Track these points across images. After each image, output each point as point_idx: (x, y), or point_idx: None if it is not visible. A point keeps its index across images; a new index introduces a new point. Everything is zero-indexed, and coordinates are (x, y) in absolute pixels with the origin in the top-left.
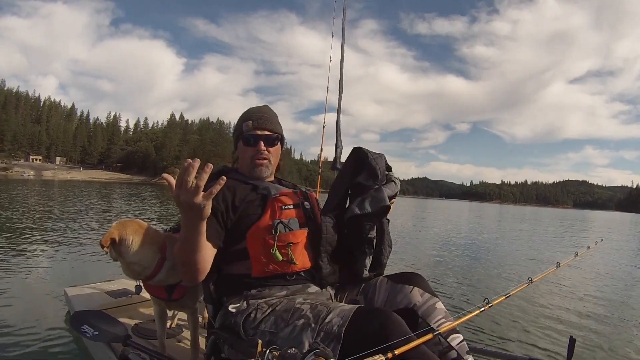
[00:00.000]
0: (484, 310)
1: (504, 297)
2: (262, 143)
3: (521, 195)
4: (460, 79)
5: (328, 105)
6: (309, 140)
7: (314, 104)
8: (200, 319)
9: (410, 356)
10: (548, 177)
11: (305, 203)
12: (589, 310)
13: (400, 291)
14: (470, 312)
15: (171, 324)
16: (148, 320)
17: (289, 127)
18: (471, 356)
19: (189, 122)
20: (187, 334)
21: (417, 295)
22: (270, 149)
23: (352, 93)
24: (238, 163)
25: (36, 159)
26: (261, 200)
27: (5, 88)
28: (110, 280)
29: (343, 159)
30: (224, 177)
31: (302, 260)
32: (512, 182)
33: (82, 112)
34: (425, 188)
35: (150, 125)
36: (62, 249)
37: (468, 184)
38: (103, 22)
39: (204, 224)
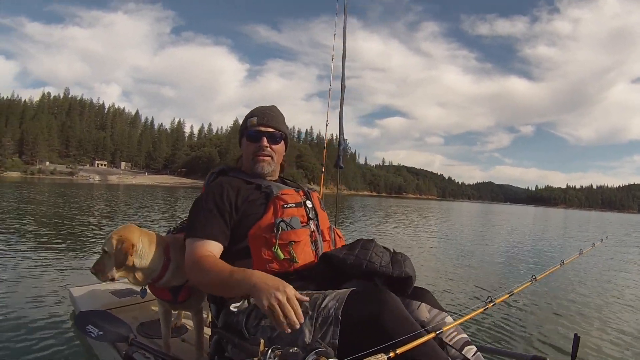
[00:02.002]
0: (488, 308)
1: (507, 295)
2: (265, 139)
3: (586, 200)
4: (523, 80)
5: (392, 109)
6: (373, 144)
7: (378, 108)
8: (205, 315)
9: (415, 354)
10: (613, 180)
11: (307, 202)
12: (593, 308)
13: (408, 306)
14: (474, 310)
15: (176, 323)
16: (153, 320)
17: (354, 131)
18: None
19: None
20: (191, 333)
21: (425, 311)
22: (274, 147)
23: (415, 96)
24: (242, 162)
25: (101, 164)
26: (263, 199)
27: (70, 96)
28: (115, 280)
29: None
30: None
31: (303, 259)
32: (577, 186)
33: (146, 118)
34: (490, 192)
35: (215, 130)
36: (71, 248)
37: (533, 188)
38: (164, 31)
39: None
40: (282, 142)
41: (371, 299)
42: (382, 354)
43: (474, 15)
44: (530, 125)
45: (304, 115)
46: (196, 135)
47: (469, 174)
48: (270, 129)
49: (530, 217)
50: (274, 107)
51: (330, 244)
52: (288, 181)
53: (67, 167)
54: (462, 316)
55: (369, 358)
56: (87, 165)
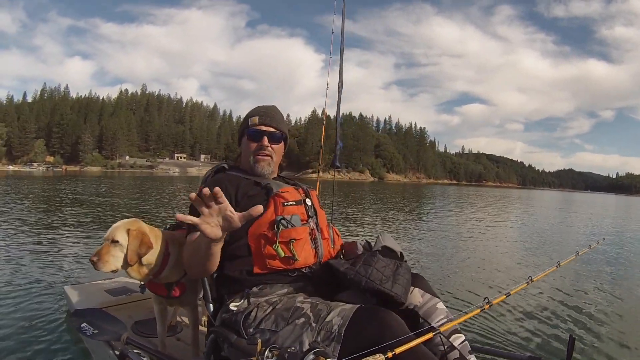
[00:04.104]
0: (484, 309)
1: (504, 297)
2: (265, 138)
3: None
4: (602, 63)
5: (472, 96)
6: (453, 131)
7: (457, 95)
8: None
9: (409, 356)
10: None
11: (307, 200)
12: (589, 310)
13: None
14: (470, 311)
15: (171, 321)
16: (148, 319)
17: (433, 119)
18: (473, 356)
19: (331, 117)
20: (187, 332)
21: (417, 296)
22: (274, 146)
23: (494, 82)
24: (240, 160)
25: (181, 157)
26: (264, 196)
27: (147, 92)
28: (110, 279)
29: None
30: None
31: (304, 256)
32: None
33: (224, 111)
34: (570, 180)
35: (293, 121)
36: (69, 246)
37: (614, 176)
38: (239, 25)
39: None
40: (282, 142)
41: (376, 319)
42: (380, 354)
43: None
44: (611, 109)
45: (383, 104)
46: None
47: (549, 161)
48: (271, 129)
49: (611, 207)
50: (275, 107)
51: (329, 241)
52: (287, 179)
53: (147, 161)
54: (459, 317)
55: (367, 358)
56: (167, 158)
